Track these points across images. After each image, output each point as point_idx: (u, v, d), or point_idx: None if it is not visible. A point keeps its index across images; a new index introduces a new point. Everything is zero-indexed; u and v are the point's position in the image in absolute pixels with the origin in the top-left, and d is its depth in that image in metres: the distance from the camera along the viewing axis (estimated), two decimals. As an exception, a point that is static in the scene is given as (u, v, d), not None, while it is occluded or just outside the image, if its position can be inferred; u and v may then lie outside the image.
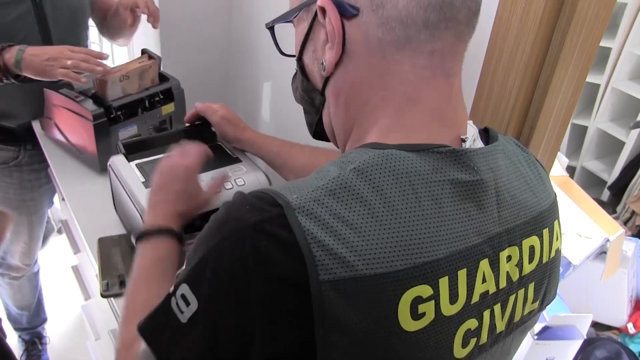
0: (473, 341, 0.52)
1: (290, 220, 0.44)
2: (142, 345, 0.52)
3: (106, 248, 1.11)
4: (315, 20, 0.56)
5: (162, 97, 1.40)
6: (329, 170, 0.49)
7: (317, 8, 0.54)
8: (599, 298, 1.51)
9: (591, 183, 2.73)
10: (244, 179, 1.07)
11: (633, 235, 1.71)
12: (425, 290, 0.46)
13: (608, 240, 1.32)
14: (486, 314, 0.52)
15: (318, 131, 0.66)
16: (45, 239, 2.02)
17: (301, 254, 0.43)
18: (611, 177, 2.58)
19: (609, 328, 1.61)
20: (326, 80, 0.58)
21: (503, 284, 0.53)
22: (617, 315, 1.58)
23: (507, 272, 0.54)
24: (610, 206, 2.42)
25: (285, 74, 1.40)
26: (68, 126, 1.35)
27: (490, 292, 0.52)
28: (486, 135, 0.58)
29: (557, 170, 1.46)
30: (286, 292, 0.44)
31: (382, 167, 0.48)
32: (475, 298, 0.50)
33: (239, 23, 1.62)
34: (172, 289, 0.50)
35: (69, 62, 1.19)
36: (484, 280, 0.51)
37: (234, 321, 0.45)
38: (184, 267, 0.52)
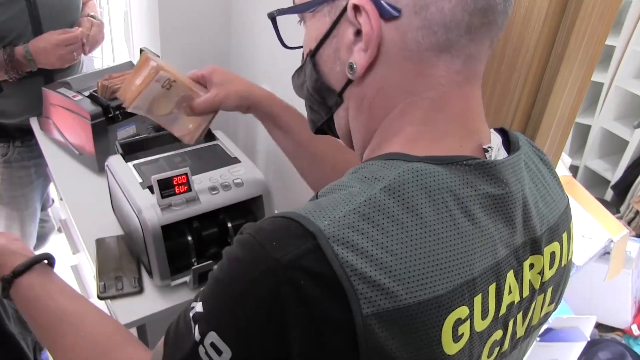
0: (496, 350, 0.51)
1: (327, 253, 0.41)
2: None
3: (104, 249, 1.10)
4: (343, 17, 0.51)
5: (161, 96, 1.38)
6: (356, 188, 0.46)
7: (348, 5, 0.50)
8: (602, 299, 1.50)
9: (594, 183, 2.72)
10: (242, 179, 1.06)
11: (637, 236, 1.69)
12: (463, 311, 0.45)
13: (612, 240, 1.31)
14: (510, 323, 0.51)
15: (322, 129, 0.63)
16: (45, 237, 2.02)
17: (342, 289, 0.40)
18: (615, 176, 2.56)
19: (613, 329, 1.60)
20: (348, 82, 0.54)
21: (526, 292, 0.52)
22: (621, 316, 1.57)
23: (530, 280, 0.53)
24: (613, 206, 2.40)
25: (285, 76, 1.38)
26: (66, 126, 1.34)
27: (515, 302, 0.51)
28: (503, 136, 0.56)
29: (560, 169, 1.44)
30: (330, 331, 0.41)
31: (414, 184, 0.45)
32: (503, 310, 0.49)
33: (239, 23, 1.61)
34: (196, 336, 0.46)
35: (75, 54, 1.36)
36: (510, 292, 0.50)
37: None
38: (198, 299, 0.47)
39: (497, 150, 0.52)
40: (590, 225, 1.34)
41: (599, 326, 1.58)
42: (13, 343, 0.88)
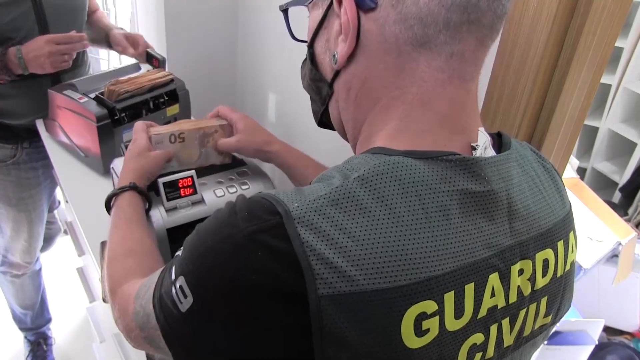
0: (479, 355, 0.50)
1: (289, 231, 0.43)
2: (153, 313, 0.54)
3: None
4: (331, 8, 0.53)
5: (166, 98, 1.39)
6: (333, 177, 0.47)
7: None
8: (610, 302, 1.49)
9: (602, 185, 2.70)
10: (248, 182, 1.05)
11: (645, 239, 1.68)
12: (429, 305, 0.44)
13: (620, 243, 1.30)
14: (493, 329, 0.50)
15: (323, 121, 0.64)
16: (52, 239, 2.02)
17: (299, 266, 0.41)
18: (622, 178, 2.54)
19: (621, 333, 1.59)
20: (336, 73, 0.55)
21: (513, 298, 0.51)
22: (629, 320, 1.55)
23: (518, 286, 0.51)
24: (621, 208, 2.39)
25: (294, 74, 1.38)
26: (72, 128, 1.34)
27: (499, 307, 0.50)
28: (499, 141, 0.55)
29: (568, 172, 1.43)
30: (282, 305, 0.42)
31: (388, 175, 0.45)
32: (483, 312, 0.48)
33: (246, 21, 1.61)
34: (173, 275, 0.50)
35: (66, 57, 1.32)
36: (492, 295, 0.49)
37: (225, 324, 0.45)
38: (180, 251, 0.52)
39: (484, 149, 0.51)
40: (598, 227, 1.33)
41: (607, 329, 1.56)
42: None
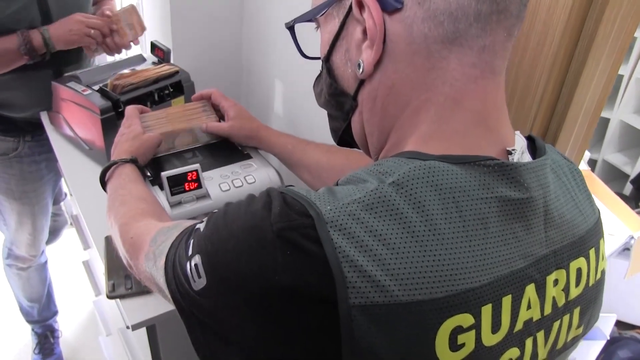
0: None
1: (320, 234, 0.40)
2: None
3: (113, 247, 1.08)
4: (349, 16, 0.50)
5: (171, 90, 1.36)
6: (366, 180, 0.45)
7: (352, 2, 0.49)
8: (622, 296, 1.47)
9: (613, 177, 2.67)
10: (254, 176, 1.03)
11: (658, 232, 1.65)
12: (466, 319, 0.42)
13: (632, 237, 1.28)
14: (528, 342, 0.48)
15: (345, 138, 0.60)
16: (58, 232, 2.02)
17: (330, 272, 0.39)
18: (634, 170, 2.51)
19: (633, 327, 1.57)
20: (360, 84, 0.52)
21: (548, 310, 0.49)
22: (642, 314, 1.53)
23: (553, 297, 0.49)
24: (633, 200, 2.35)
25: (301, 67, 1.36)
26: (76, 120, 1.33)
27: (535, 319, 0.48)
28: (531, 144, 0.53)
29: (579, 163, 1.40)
30: (306, 308, 0.40)
31: (424, 180, 0.43)
32: (519, 326, 0.46)
33: (253, 11, 1.58)
34: (190, 249, 0.48)
35: (92, 32, 1.32)
36: (529, 307, 0.47)
37: (236, 314, 0.43)
38: (203, 224, 0.50)
39: (520, 154, 0.49)
40: (610, 220, 1.31)
41: (619, 324, 1.54)
42: None
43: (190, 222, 0.60)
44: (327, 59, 0.55)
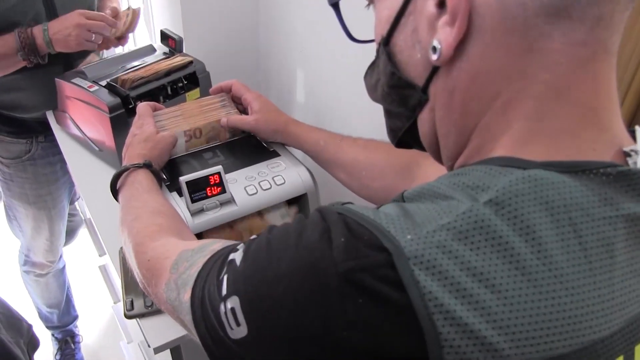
0: None
1: (402, 274, 0.33)
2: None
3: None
4: None
5: (185, 82, 1.26)
6: (451, 197, 0.37)
7: None
8: None
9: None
10: (283, 176, 0.92)
11: None
12: None
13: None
14: None
15: (404, 139, 0.50)
16: (74, 232, 1.96)
17: (418, 325, 0.32)
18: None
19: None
20: (433, 72, 0.42)
21: None
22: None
23: None
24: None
25: (324, 52, 1.24)
26: (83, 119, 1.23)
27: None
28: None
29: None
30: None
31: (530, 197, 0.34)
32: None
33: (268, 3, 1.46)
34: (224, 288, 0.41)
35: (92, 37, 1.21)
36: None
37: None
38: (239, 248, 0.42)
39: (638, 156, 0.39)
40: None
41: None
42: (5, 349, 0.87)
43: (217, 243, 0.51)
44: (386, 42, 0.44)
